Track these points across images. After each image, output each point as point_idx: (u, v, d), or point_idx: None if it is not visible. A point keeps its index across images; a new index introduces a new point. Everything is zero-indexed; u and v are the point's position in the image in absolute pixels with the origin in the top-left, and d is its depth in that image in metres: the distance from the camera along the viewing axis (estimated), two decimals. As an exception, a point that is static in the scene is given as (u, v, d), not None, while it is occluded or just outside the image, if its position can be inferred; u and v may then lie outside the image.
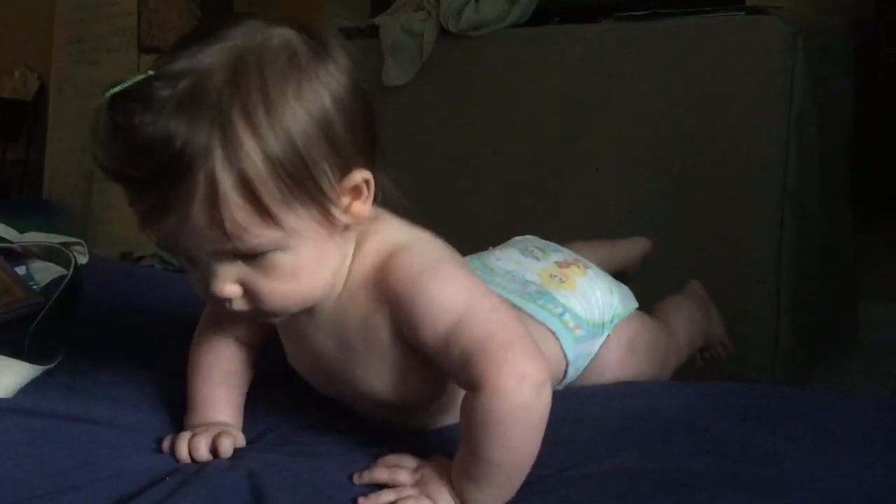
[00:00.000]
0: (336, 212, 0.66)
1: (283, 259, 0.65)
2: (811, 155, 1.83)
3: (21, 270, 1.21)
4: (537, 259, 0.98)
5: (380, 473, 0.69)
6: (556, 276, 0.95)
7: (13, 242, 1.27)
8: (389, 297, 0.69)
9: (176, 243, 0.64)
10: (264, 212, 0.61)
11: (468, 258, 0.97)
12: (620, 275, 1.25)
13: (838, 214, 2.08)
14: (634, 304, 1.02)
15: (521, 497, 0.66)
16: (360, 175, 0.66)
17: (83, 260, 1.32)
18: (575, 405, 0.82)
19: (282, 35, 0.65)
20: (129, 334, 0.99)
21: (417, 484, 0.68)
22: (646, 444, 0.73)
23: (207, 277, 0.66)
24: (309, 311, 0.72)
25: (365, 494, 0.66)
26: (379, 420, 0.80)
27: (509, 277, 0.94)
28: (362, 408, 0.81)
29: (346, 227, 0.68)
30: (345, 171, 0.65)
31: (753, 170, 1.81)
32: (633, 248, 1.30)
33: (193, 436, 0.75)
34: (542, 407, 0.65)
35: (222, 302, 0.67)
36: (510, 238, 1.08)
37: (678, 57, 1.91)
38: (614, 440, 0.75)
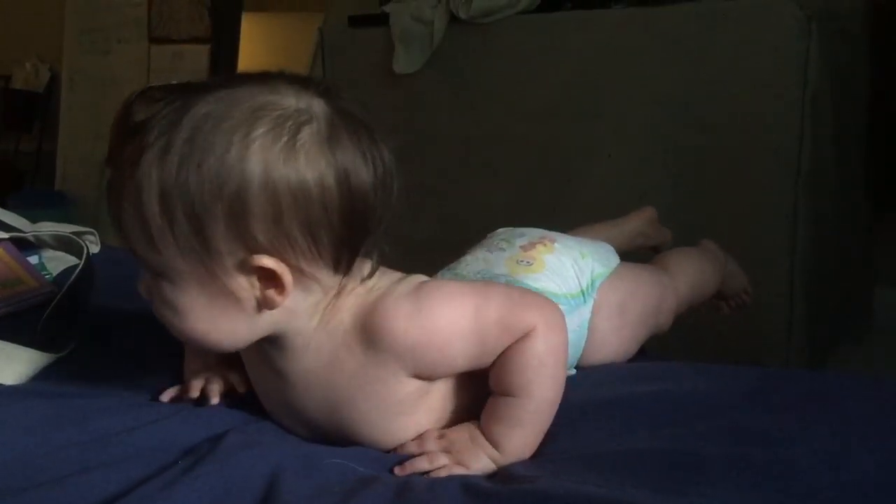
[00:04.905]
0: (229, 280, 0.64)
1: (167, 288, 0.66)
2: (826, 140, 1.82)
3: (33, 260, 1.22)
4: (503, 250, 0.97)
5: (409, 446, 0.72)
6: (522, 262, 0.94)
7: (26, 232, 1.27)
8: (395, 349, 0.68)
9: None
10: (148, 232, 0.63)
11: (440, 272, 0.97)
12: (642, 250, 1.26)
13: (853, 199, 2.06)
14: (615, 259, 1.02)
15: (540, 472, 0.67)
16: (270, 262, 0.63)
17: (95, 249, 1.33)
18: (588, 390, 0.82)
19: (307, 107, 0.64)
20: (141, 323, 0.99)
21: (448, 451, 0.70)
22: (657, 428, 0.73)
23: None
24: (279, 373, 0.72)
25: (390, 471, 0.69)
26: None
27: (479, 279, 0.93)
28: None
29: (260, 307, 0.66)
30: (248, 248, 0.63)
31: (767, 155, 1.79)
32: (637, 219, 1.29)
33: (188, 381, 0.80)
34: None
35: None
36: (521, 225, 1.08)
37: (691, 42, 1.89)
38: (626, 423, 0.75)
